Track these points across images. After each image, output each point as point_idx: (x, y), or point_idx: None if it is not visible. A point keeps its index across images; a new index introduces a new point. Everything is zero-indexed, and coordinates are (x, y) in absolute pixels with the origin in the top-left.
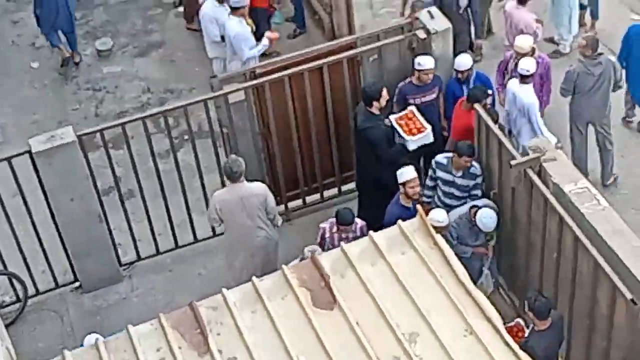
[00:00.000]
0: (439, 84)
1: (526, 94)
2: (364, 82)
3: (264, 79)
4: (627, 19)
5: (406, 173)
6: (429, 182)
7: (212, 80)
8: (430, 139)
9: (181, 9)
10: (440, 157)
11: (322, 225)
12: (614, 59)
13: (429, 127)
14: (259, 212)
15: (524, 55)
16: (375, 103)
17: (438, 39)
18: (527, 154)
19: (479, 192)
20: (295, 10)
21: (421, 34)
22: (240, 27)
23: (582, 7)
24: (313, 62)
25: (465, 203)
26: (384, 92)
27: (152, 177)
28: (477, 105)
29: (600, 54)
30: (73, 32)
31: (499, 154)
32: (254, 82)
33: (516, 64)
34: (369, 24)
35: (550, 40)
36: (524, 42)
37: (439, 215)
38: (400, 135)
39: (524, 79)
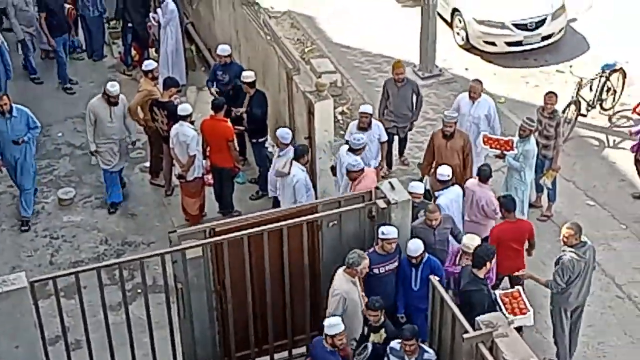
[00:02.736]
0: (399, 252)
1: None
2: (322, 246)
3: (223, 237)
4: (582, 204)
5: (337, 327)
6: None
7: (171, 234)
8: (531, 321)
9: (147, 164)
10: (394, 343)
11: None
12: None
13: (531, 310)
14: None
15: (468, 255)
16: (488, 264)
17: (397, 209)
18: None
19: None
20: (259, 173)
21: (381, 204)
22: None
23: (539, 190)
24: (273, 224)
25: None
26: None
27: (101, 329)
28: (432, 277)
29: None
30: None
31: (452, 327)
32: (213, 239)
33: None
34: (331, 190)
35: None
36: (471, 241)
37: None
38: (502, 312)
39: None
